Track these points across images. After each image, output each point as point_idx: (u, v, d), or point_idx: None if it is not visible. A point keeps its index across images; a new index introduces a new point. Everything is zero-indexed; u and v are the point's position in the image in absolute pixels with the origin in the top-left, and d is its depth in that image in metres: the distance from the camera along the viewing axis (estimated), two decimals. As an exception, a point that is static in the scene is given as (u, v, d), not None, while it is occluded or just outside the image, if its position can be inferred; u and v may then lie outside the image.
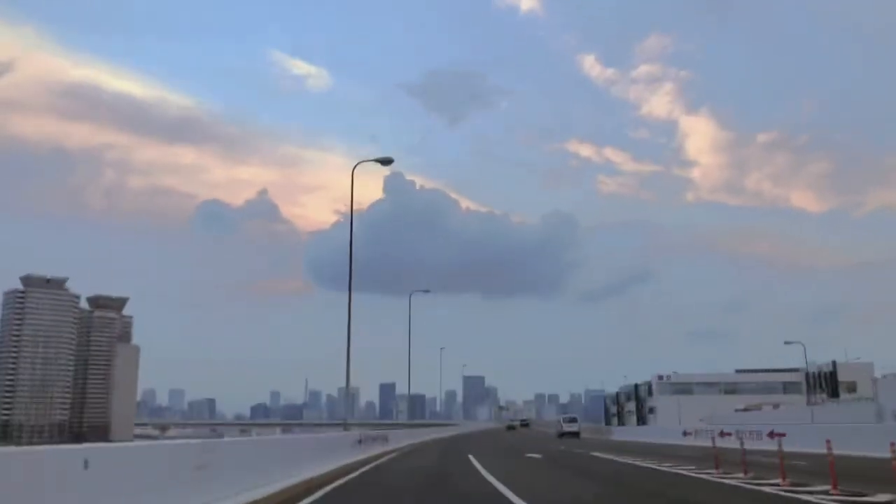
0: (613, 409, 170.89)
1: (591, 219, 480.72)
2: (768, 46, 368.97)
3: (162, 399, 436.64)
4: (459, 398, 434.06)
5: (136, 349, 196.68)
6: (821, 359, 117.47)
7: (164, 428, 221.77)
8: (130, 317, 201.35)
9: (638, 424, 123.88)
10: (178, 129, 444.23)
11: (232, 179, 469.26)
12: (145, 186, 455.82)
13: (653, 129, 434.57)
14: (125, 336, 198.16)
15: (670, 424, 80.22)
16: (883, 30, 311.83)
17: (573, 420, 73.81)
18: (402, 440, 39.37)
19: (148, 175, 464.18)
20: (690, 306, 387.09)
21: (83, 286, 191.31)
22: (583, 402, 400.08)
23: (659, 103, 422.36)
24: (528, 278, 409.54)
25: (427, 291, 75.53)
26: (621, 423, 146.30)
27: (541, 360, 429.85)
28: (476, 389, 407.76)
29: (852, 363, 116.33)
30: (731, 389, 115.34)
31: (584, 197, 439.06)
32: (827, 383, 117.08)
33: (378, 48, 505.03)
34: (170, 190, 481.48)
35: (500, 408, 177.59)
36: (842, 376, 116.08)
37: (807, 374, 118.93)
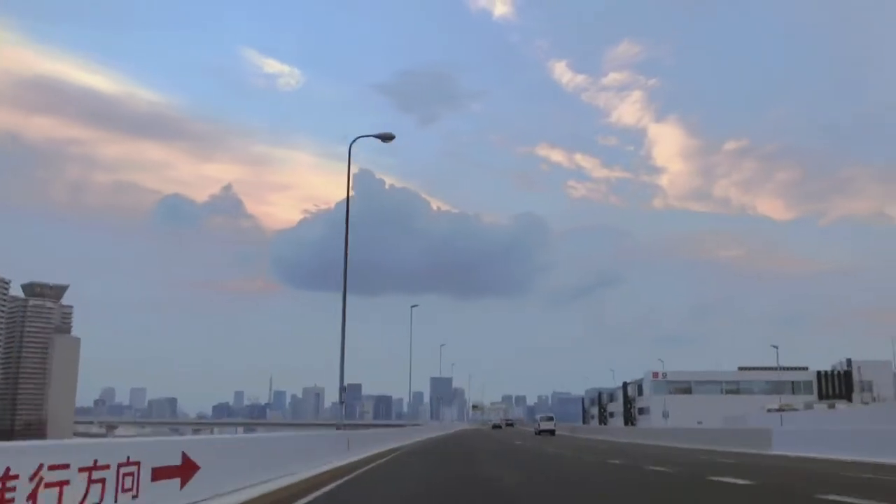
0: (593, 411, 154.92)
1: (561, 223, 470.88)
2: (737, 55, 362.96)
3: (122, 398, 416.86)
4: (427, 399, 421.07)
5: (76, 341, 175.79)
6: (786, 363, 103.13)
7: (111, 426, 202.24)
8: (70, 306, 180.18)
9: (626, 426, 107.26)
10: (145, 125, 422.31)
11: (200, 176, 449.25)
12: (110, 182, 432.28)
13: (622, 135, 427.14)
14: (64, 327, 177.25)
15: (678, 424, 62.92)
16: (849, 41, 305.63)
17: (550, 419, 79.46)
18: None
19: (113, 171, 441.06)
20: (657, 311, 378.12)
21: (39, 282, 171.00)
22: (549, 403, 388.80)
23: (628, 110, 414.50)
24: (497, 280, 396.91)
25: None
26: (602, 424, 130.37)
27: (509, 361, 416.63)
28: (443, 391, 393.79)
29: (868, 361, 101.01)
30: (733, 389, 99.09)
31: (554, 201, 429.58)
32: (841, 383, 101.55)
33: (350, 48, 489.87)
34: (136, 186, 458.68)
35: (475, 406, 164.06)
36: (857, 376, 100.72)
37: (818, 374, 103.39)
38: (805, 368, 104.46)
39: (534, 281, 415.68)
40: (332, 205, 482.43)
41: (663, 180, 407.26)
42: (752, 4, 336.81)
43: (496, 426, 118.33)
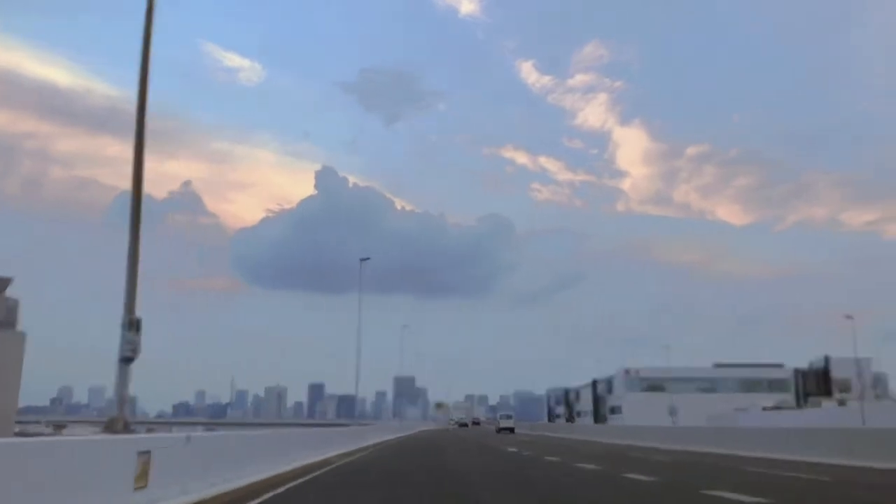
0: (559, 409, 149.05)
1: (526, 224, 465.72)
2: (701, 61, 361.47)
3: (80, 396, 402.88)
4: (390, 398, 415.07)
5: (21, 336, 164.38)
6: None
7: (59, 426, 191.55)
8: (16, 300, 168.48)
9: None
10: (103, 120, 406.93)
11: (159, 173, 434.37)
12: (67, 177, 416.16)
13: (587, 138, 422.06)
14: (9, 322, 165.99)
15: (652, 424, 56.90)
16: (811, 51, 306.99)
17: (509, 417, 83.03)
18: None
19: (69, 166, 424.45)
20: (619, 312, 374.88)
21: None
22: (511, 403, 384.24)
23: (593, 113, 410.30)
24: (461, 280, 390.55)
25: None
26: (570, 422, 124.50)
27: (471, 361, 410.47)
28: (407, 390, 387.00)
29: (847, 359, 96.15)
30: (708, 387, 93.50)
31: (518, 203, 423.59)
32: (819, 381, 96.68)
33: (314, 44, 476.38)
34: (93, 181, 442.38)
35: (439, 405, 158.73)
36: (835, 373, 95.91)
37: (796, 371, 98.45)
38: (781, 366, 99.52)
39: (498, 282, 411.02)
40: (295, 204, 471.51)
41: (626, 184, 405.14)
42: (716, 12, 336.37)
43: (463, 425, 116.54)
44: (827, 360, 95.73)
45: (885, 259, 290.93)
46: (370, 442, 37.25)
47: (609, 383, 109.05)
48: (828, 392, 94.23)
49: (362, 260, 53.47)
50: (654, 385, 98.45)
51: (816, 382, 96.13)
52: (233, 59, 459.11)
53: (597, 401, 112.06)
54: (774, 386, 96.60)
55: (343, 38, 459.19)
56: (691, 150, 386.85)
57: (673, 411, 76.84)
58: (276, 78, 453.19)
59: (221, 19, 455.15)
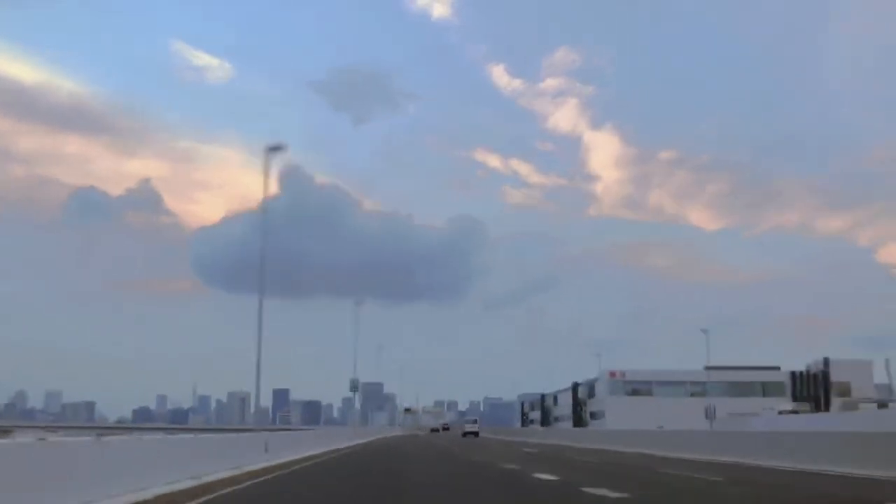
0: (533, 415, 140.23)
1: (497, 228, 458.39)
2: (672, 66, 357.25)
3: (36, 401, 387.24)
4: (357, 404, 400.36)
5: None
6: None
7: (5, 430, 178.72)
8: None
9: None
10: (65, 118, 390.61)
11: (121, 173, 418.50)
12: (25, 175, 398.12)
13: (558, 142, 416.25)
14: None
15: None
16: (781, 57, 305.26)
17: (474, 422, 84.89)
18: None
19: (29, 164, 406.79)
20: (590, 317, 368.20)
21: None
22: (482, 409, 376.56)
23: (565, 117, 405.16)
24: (431, 284, 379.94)
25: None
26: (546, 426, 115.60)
27: (440, 366, 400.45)
28: (374, 396, 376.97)
29: (846, 361, 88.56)
30: (699, 391, 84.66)
31: (490, 206, 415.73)
32: (817, 384, 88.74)
33: (284, 43, 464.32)
34: (53, 180, 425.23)
35: (407, 410, 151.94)
36: (835, 376, 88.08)
37: (792, 374, 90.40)
38: (777, 368, 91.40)
39: (468, 286, 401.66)
40: (257, 202, 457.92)
41: (598, 188, 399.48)
42: (687, 19, 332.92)
43: (434, 430, 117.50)
44: (826, 362, 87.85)
45: (855, 265, 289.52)
46: (301, 454, 26.80)
47: (590, 387, 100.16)
48: (826, 396, 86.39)
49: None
50: (640, 389, 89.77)
51: (814, 386, 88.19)
52: (202, 58, 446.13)
53: (577, 405, 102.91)
54: (769, 389, 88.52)
55: (313, 38, 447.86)
56: (663, 155, 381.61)
57: (710, 413, 67.32)
58: (245, 77, 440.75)
59: (192, 18, 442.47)
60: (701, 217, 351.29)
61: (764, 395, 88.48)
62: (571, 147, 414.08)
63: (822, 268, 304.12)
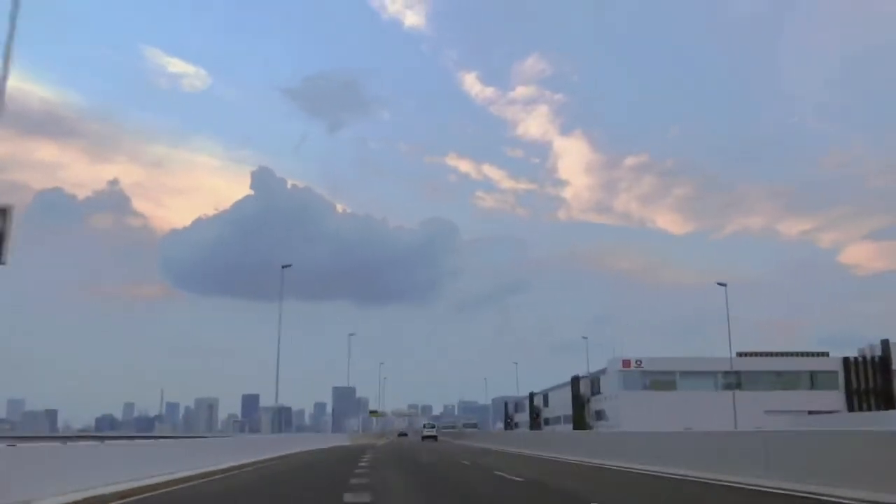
0: (520, 417, 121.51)
1: (469, 232, 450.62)
2: (639, 73, 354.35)
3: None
4: (329, 409, 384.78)
5: None
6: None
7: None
8: None
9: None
10: (38, 124, 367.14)
11: (95, 179, 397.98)
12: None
13: (529, 148, 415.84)
14: None
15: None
16: (742, 64, 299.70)
17: (432, 426, 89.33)
18: None
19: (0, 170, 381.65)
20: (560, 319, 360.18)
21: None
22: (456, 412, 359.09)
23: (535, 124, 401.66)
24: (403, 287, 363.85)
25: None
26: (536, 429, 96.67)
27: (414, 370, 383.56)
28: (346, 401, 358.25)
29: (907, 343, 70.56)
30: (732, 383, 66.07)
31: (462, 210, 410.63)
32: (876, 372, 70.70)
33: (258, 50, 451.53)
34: (25, 187, 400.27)
35: (373, 412, 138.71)
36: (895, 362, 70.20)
37: (845, 361, 72.19)
38: (826, 354, 73.24)
39: (441, 290, 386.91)
40: (230, 204, 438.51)
41: (567, 193, 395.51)
42: (652, 27, 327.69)
43: (402, 434, 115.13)
44: (886, 345, 69.77)
45: (819, 267, 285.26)
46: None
47: (593, 381, 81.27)
48: (887, 386, 68.43)
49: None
50: (662, 382, 71.25)
51: (872, 374, 70.18)
52: (176, 65, 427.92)
53: (577, 403, 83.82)
54: (820, 381, 70.50)
55: (288, 46, 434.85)
56: (630, 161, 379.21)
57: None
58: (220, 83, 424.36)
59: (166, 24, 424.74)
60: (667, 220, 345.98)
61: (813, 386, 70.60)
62: (542, 153, 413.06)
63: (787, 270, 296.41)
